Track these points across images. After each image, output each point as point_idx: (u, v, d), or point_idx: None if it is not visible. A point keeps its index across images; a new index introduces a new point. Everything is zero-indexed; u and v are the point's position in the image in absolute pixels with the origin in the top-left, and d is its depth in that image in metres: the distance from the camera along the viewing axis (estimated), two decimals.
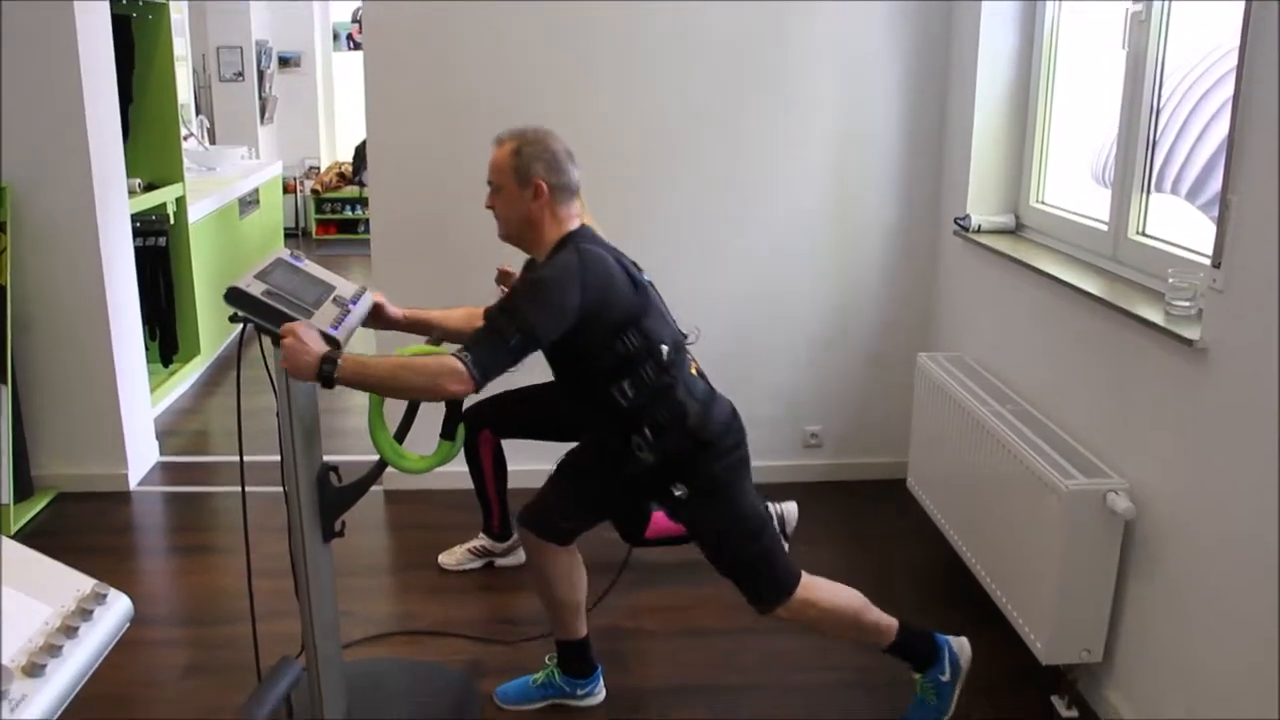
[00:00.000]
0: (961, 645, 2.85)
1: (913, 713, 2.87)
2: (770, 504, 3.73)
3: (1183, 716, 2.54)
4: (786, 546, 3.76)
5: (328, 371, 2.26)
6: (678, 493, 2.61)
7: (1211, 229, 2.45)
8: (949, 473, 3.58)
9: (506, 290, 3.37)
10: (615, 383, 2.53)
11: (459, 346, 2.38)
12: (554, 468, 2.86)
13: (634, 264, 2.65)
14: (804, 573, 2.73)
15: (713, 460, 2.61)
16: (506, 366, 2.40)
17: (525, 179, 2.55)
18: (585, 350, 2.51)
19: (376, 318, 2.74)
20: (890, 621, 2.79)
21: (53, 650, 1.35)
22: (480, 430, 3.51)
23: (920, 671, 2.84)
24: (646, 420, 2.56)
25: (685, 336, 2.72)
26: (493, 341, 2.37)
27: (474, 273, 4.07)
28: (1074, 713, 2.93)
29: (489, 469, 3.61)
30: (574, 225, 2.62)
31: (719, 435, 2.62)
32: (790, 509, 3.79)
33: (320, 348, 2.28)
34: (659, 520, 3.47)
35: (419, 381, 2.35)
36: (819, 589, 2.73)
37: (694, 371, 2.68)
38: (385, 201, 4.18)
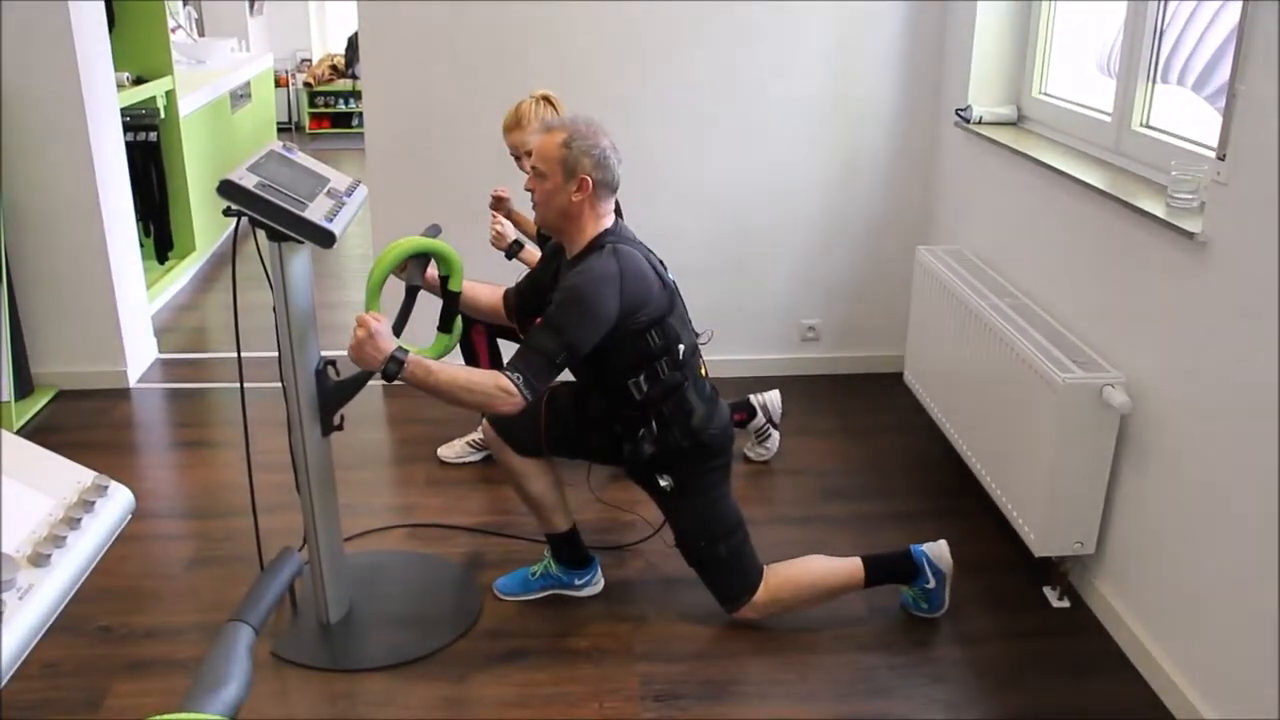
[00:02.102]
0: (939, 551, 2.91)
1: (908, 605, 2.95)
2: (751, 396, 3.75)
3: (1174, 610, 2.59)
4: (778, 435, 3.79)
5: (393, 370, 2.39)
6: (663, 483, 2.73)
7: (1217, 120, 2.41)
8: (946, 366, 3.59)
9: (499, 216, 3.34)
10: (633, 376, 2.60)
11: (507, 362, 2.48)
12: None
13: (661, 262, 2.68)
14: (768, 573, 2.83)
15: (704, 460, 2.73)
16: (551, 381, 2.50)
17: (572, 173, 2.53)
18: (610, 346, 2.54)
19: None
20: (854, 564, 2.85)
21: (56, 540, 1.37)
22: (474, 324, 3.51)
23: (907, 585, 2.92)
24: (654, 414, 2.64)
25: (699, 338, 2.77)
26: (539, 362, 2.45)
27: (468, 170, 4.04)
28: (1065, 603, 2.98)
29: (485, 362, 3.62)
30: (609, 222, 2.63)
31: (716, 439, 2.72)
32: (772, 397, 3.81)
33: (390, 344, 2.40)
34: None
35: (474, 400, 2.45)
36: (784, 584, 2.83)
37: (702, 373, 2.75)
38: (379, 94, 4.11)
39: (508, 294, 2.86)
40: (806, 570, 2.86)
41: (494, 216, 3.39)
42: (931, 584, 2.88)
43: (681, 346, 2.63)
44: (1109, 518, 2.86)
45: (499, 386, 2.41)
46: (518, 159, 3.34)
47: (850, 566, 2.85)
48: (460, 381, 2.45)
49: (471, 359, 3.62)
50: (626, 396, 2.63)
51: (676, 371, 2.62)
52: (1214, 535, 2.42)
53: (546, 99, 3.32)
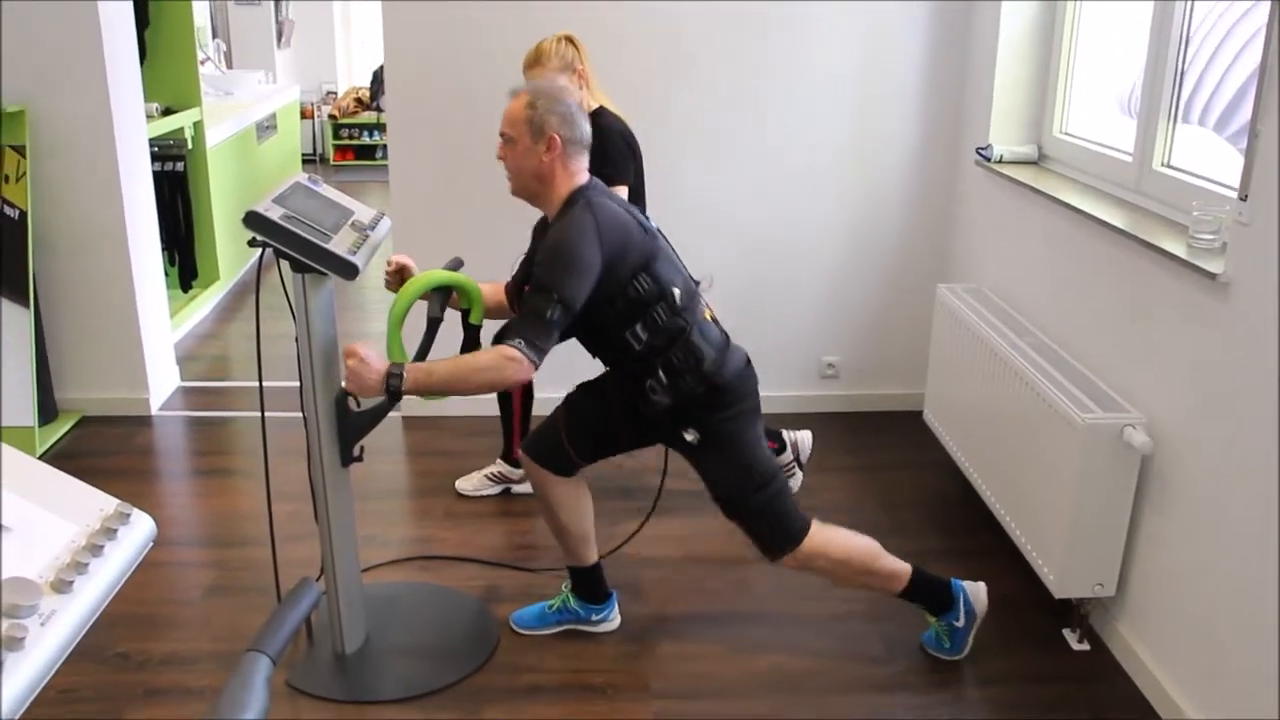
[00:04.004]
0: (977, 592, 2.87)
1: (935, 645, 2.92)
2: (784, 432, 3.74)
3: (1195, 653, 2.56)
4: (801, 475, 3.78)
5: (394, 385, 2.39)
6: (689, 437, 2.64)
7: (1239, 161, 2.42)
8: (966, 405, 3.58)
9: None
10: (628, 326, 2.56)
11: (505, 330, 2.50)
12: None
13: (641, 212, 2.68)
14: (816, 522, 2.75)
15: (726, 407, 2.63)
16: (555, 340, 2.47)
17: (539, 132, 2.53)
18: (600, 297, 2.52)
19: (402, 278, 2.75)
20: (903, 568, 2.81)
21: (79, 567, 1.38)
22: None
23: (935, 615, 2.88)
24: (661, 362, 2.58)
25: (697, 282, 2.72)
26: (536, 322, 2.43)
27: (491, 201, 4.07)
28: (1086, 646, 2.95)
29: (518, 394, 3.62)
30: (584, 179, 2.62)
31: (733, 382, 2.64)
32: (804, 436, 3.80)
33: (382, 364, 2.40)
34: None
35: (485, 378, 2.45)
36: (831, 540, 2.75)
37: (709, 318, 2.70)
38: (403, 128, 4.15)
39: (508, 286, 2.84)
40: (860, 545, 2.78)
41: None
42: (961, 622, 2.85)
43: (676, 290, 2.57)
44: (1130, 559, 2.84)
45: (504, 356, 2.40)
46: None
47: (898, 566, 2.80)
48: (465, 366, 2.46)
49: (504, 391, 3.60)
50: (629, 350, 2.58)
51: (676, 317, 2.57)
52: (1237, 578, 2.40)
53: (569, 39, 3.31)
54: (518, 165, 2.59)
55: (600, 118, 3.21)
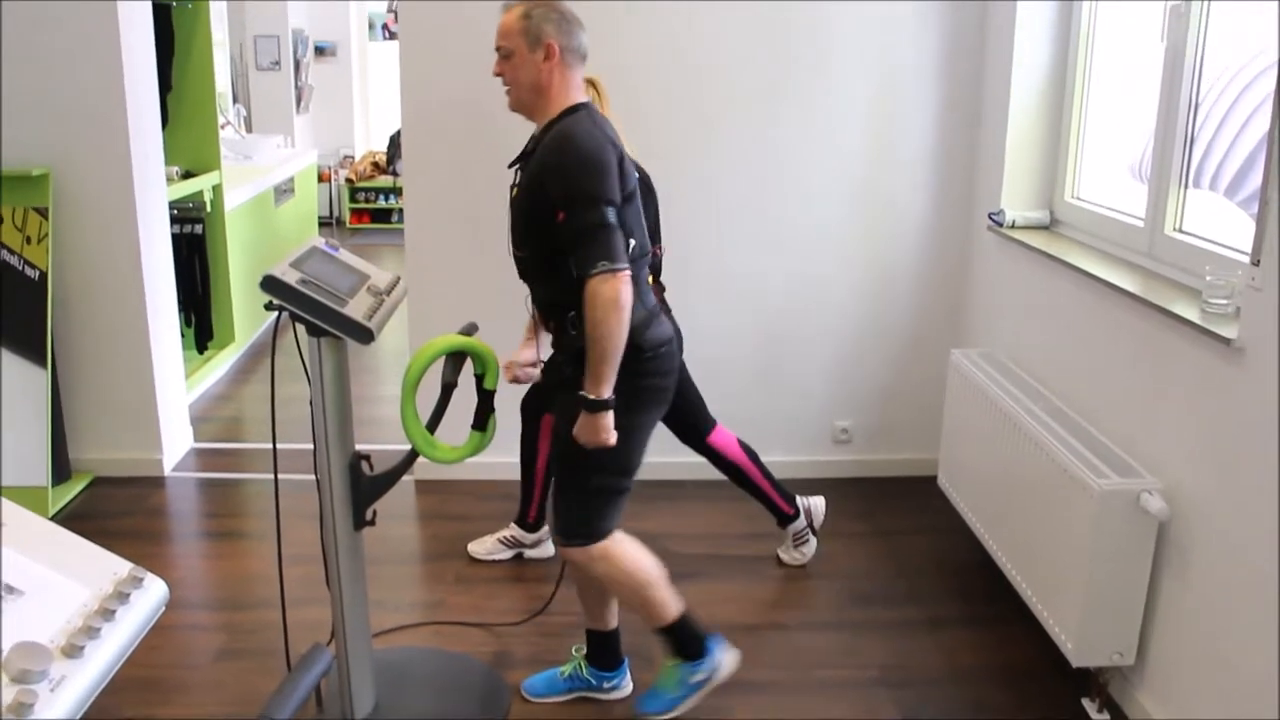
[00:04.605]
0: (726, 658, 2.85)
1: (649, 698, 2.87)
2: (798, 497, 3.72)
3: None
4: (815, 541, 3.75)
5: (602, 407, 2.45)
6: (582, 391, 2.51)
7: (1250, 226, 2.42)
8: (980, 470, 3.57)
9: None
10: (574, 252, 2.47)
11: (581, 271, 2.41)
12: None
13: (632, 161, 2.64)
14: (619, 535, 2.70)
15: (629, 370, 2.52)
16: (624, 240, 2.42)
17: (536, 40, 2.51)
18: (563, 222, 2.45)
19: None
20: (677, 606, 2.77)
21: (90, 632, 1.37)
22: (544, 415, 3.51)
23: (677, 658, 2.82)
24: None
25: (651, 249, 2.67)
26: (597, 235, 2.39)
27: (506, 267, 4.09)
28: (1105, 716, 2.90)
29: (544, 457, 3.61)
30: (582, 97, 2.59)
31: (646, 346, 2.56)
32: (818, 502, 3.79)
33: (588, 420, 2.47)
34: (728, 447, 3.56)
35: (611, 325, 2.39)
36: (624, 553, 2.70)
37: (651, 283, 2.65)
38: (419, 192, 4.19)
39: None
40: (646, 566, 2.72)
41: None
42: (698, 678, 2.80)
43: (631, 242, 2.49)
44: (1149, 627, 2.80)
45: (601, 286, 2.36)
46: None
47: (672, 600, 2.76)
48: (594, 335, 2.40)
49: (529, 453, 3.60)
50: (565, 273, 2.45)
51: None
52: (1259, 646, 2.36)
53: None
54: (515, 77, 2.56)
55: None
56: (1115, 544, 2.72)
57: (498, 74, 2.60)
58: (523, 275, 2.70)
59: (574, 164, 2.43)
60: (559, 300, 2.56)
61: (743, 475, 3.61)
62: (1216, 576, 2.53)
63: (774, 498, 3.66)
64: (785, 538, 3.75)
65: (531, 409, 3.55)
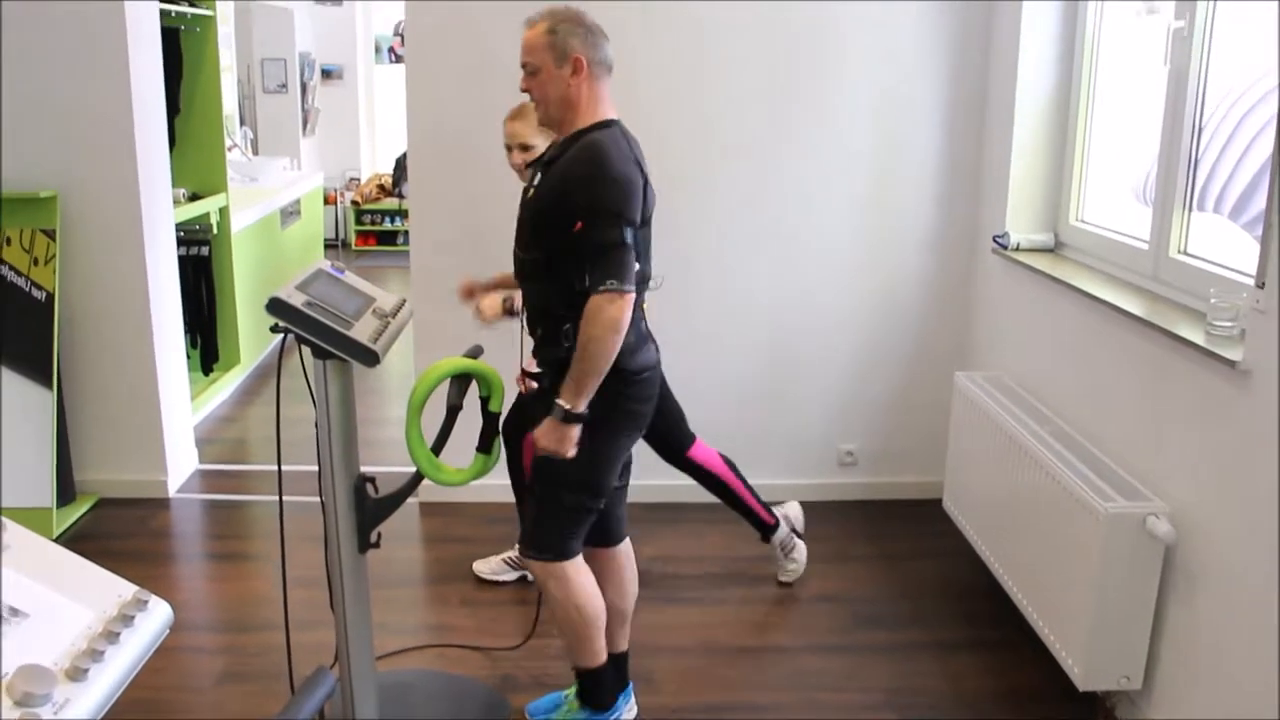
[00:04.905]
0: (628, 717, 2.88)
1: (540, 711, 2.93)
2: (774, 508, 3.73)
3: None
4: (802, 544, 3.77)
5: (574, 419, 2.46)
6: (559, 400, 2.51)
7: (1255, 248, 2.42)
8: (986, 493, 3.56)
9: (475, 303, 3.28)
10: (579, 269, 2.47)
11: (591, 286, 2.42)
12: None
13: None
14: (581, 563, 2.71)
15: (612, 392, 2.53)
16: (635, 260, 2.43)
17: (563, 55, 2.49)
18: (579, 238, 2.45)
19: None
20: (603, 655, 2.78)
21: (95, 655, 1.37)
22: (525, 435, 3.50)
23: (585, 705, 2.85)
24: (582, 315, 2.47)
25: (652, 281, 2.68)
26: (610, 254, 2.39)
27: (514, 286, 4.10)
28: None
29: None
30: (612, 113, 2.58)
31: (630, 371, 2.56)
32: (792, 507, 3.79)
33: (546, 427, 2.49)
34: (709, 460, 3.57)
35: (606, 344, 2.41)
36: (583, 584, 2.70)
37: (644, 308, 2.66)
38: (425, 214, 4.21)
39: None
40: (597, 608, 2.72)
41: (473, 306, 3.28)
42: None
43: (637, 265, 2.49)
44: (1156, 650, 2.79)
45: (606, 304, 2.37)
46: (509, 151, 3.27)
47: (603, 649, 2.78)
48: (584, 351, 2.41)
49: (518, 466, 3.60)
50: (568, 287, 2.47)
51: None
52: (1266, 670, 2.35)
53: None
54: (543, 94, 2.54)
55: None
56: (1121, 567, 2.71)
57: (525, 90, 2.60)
58: (519, 275, 2.70)
59: (603, 178, 2.43)
60: (553, 309, 2.56)
61: (725, 488, 3.63)
62: (1223, 600, 2.52)
63: (756, 509, 3.68)
64: (774, 553, 3.75)
65: (513, 431, 3.53)
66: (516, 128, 3.24)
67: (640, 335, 2.62)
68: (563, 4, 2.58)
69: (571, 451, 2.51)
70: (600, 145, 2.46)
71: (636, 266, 2.48)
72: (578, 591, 2.70)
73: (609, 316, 2.39)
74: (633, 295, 2.41)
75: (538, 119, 2.65)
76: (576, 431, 2.49)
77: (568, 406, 2.46)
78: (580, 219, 2.43)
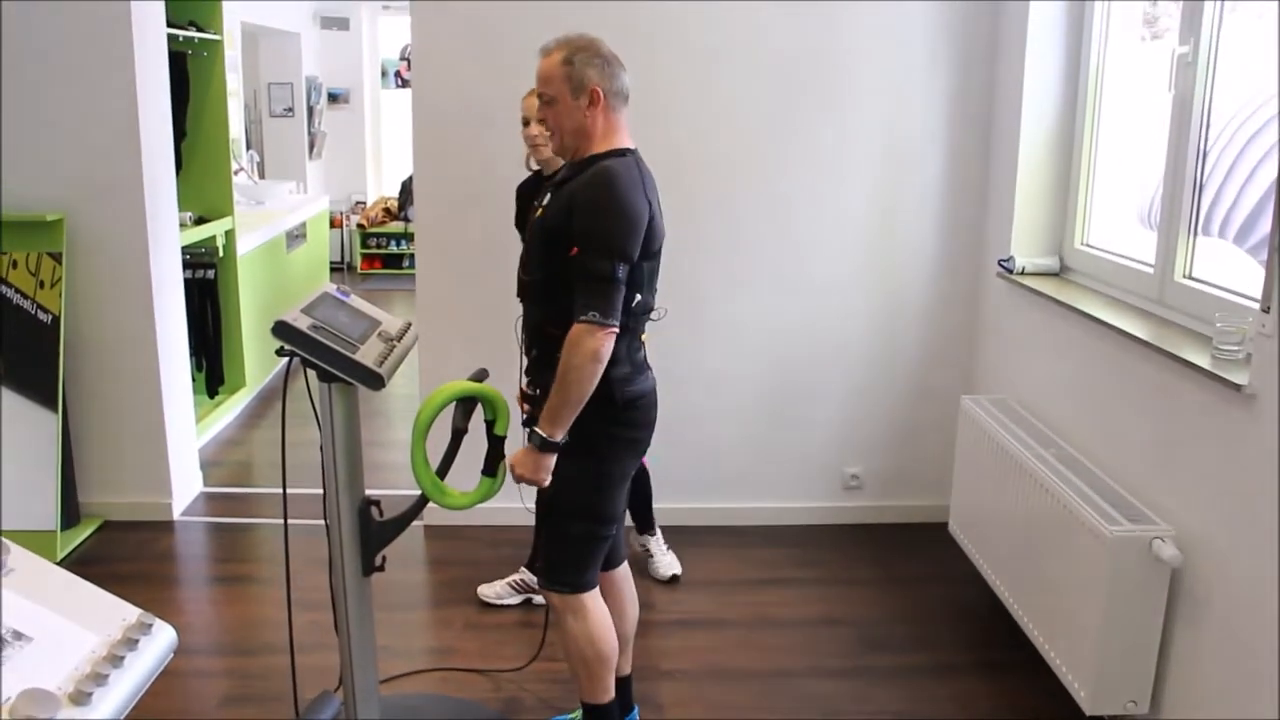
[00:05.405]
0: None
1: None
2: (663, 555, 3.95)
3: None
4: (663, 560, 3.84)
5: (550, 448, 2.46)
6: (536, 427, 2.52)
7: (1260, 273, 2.42)
8: (992, 517, 3.55)
9: None
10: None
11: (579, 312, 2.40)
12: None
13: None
14: (598, 597, 2.70)
15: (611, 419, 2.55)
16: (621, 298, 2.41)
17: (580, 86, 2.48)
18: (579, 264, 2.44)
19: None
20: (611, 692, 2.76)
21: (98, 679, 1.37)
22: None
23: None
24: None
25: (653, 312, 2.67)
26: (597, 286, 2.38)
27: (517, 313, 4.11)
28: None
29: None
30: (629, 143, 2.57)
31: (627, 400, 2.56)
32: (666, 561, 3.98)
33: (523, 454, 2.49)
34: None
35: (583, 373, 2.40)
36: (597, 621, 2.69)
37: (643, 340, 2.66)
38: (431, 238, 4.22)
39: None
40: (611, 646, 2.71)
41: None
42: None
43: (638, 297, 2.51)
44: (1163, 675, 2.78)
45: (585, 335, 2.36)
46: (525, 124, 3.29)
47: (612, 687, 2.75)
48: (563, 381, 2.40)
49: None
50: (563, 312, 2.44)
51: (626, 315, 2.47)
52: (1274, 693, 2.33)
53: None
54: (559, 123, 2.53)
55: None
56: (1128, 591, 2.70)
57: (540, 120, 2.59)
58: (522, 296, 2.69)
59: (606, 208, 2.42)
60: (551, 331, 2.54)
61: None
62: (1230, 623, 2.51)
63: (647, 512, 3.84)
64: (652, 548, 3.91)
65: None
66: (534, 103, 3.19)
67: (636, 365, 2.61)
68: (578, 32, 2.57)
69: (547, 479, 2.50)
70: (611, 173, 2.45)
71: (637, 298, 2.49)
72: (594, 627, 2.69)
73: (588, 348, 2.39)
74: (614, 331, 2.39)
75: (552, 148, 2.64)
76: (552, 460, 2.48)
77: (544, 434, 2.45)
78: (577, 244, 2.43)
